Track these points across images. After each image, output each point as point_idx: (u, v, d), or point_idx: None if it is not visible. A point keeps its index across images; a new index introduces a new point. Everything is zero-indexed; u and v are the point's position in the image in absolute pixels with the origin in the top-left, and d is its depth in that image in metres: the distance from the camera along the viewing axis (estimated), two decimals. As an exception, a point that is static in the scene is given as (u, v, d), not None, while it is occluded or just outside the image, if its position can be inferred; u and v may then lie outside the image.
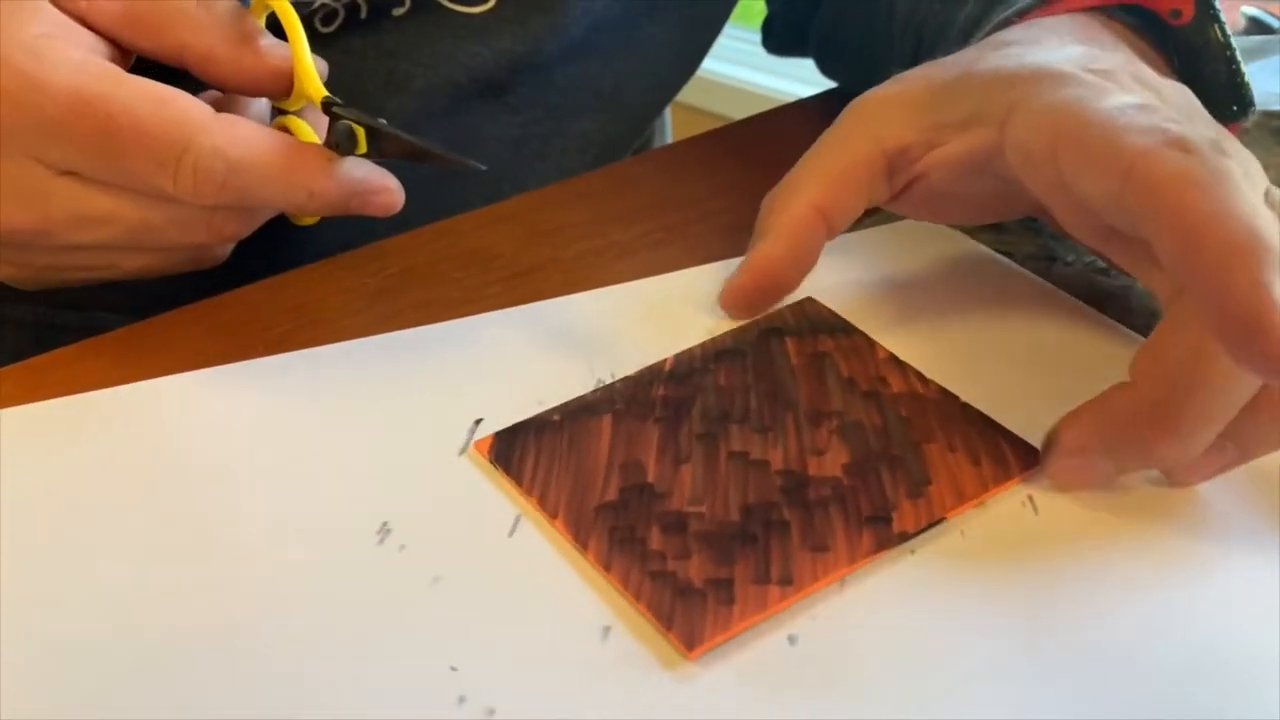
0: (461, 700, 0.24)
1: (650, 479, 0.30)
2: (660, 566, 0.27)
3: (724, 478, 0.30)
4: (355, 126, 0.34)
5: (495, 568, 0.28)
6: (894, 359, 0.34)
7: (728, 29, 0.63)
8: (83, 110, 0.33)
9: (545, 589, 0.27)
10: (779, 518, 0.29)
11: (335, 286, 0.39)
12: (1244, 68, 0.38)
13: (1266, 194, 0.31)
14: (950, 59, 0.36)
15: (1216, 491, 0.31)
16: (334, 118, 0.35)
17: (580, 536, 0.28)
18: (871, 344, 0.35)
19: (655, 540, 0.28)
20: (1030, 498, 0.30)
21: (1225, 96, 0.37)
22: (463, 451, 0.31)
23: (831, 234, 0.36)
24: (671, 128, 0.70)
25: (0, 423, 0.32)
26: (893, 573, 0.28)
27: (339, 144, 0.35)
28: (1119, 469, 0.30)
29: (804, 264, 0.36)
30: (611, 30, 0.51)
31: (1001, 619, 0.27)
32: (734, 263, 0.38)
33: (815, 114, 0.48)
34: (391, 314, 0.37)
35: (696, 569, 0.27)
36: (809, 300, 0.37)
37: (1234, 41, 0.37)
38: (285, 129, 0.38)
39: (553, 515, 0.29)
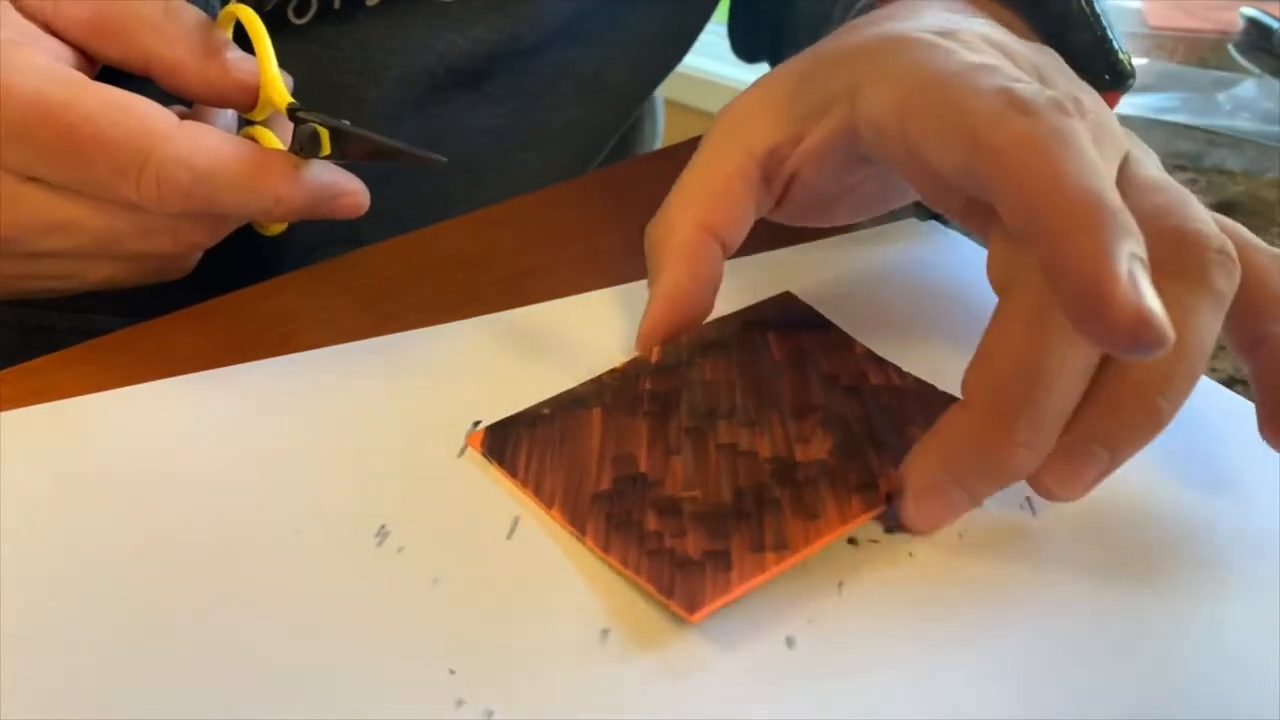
0: (460, 703, 0.24)
1: (643, 469, 0.30)
2: (658, 545, 0.28)
3: (714, 466, 0.30)
4: (318, 128, 0.34)
5: (494, 570, 0.28)
6: (872, 355, 0.34)
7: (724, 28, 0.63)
8: (44, 118, 0.32)
9: (544, 591, 0.27)
10: (770, 496, 0.29)
11: (335, 289, 0.39)
12: (1114, 37, 0.38)
13: (1127, 158, 0.30)
14: (807, 50, 0.35)
15: (1216, 489, 0.31)
16: (298, 122, 0.35)
17: (577, 523, 0.29)
18: (849, 341, 0.35)
19: (651, 522, 0.28)
20: (1029, 499, 0.30)
21: (1096, 65, 0.37)
22: (461, 453, 0.31)
23: (726, 252, 0.34)
24: (665, 128, 0.70)
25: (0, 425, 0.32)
26: (891, 574, 0.28)
27: (303, 147, 0.34)
28: (972, 497, 0.28)
29: (712, 286, 0.34)
30: (592, 17, 0.50)
31: (1000, 620, 0.27)
32: (740, 262, 0.37)
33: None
34: (390, 316, 0.37)
35: (693, 544, 0.28)
36: (788, 295, 0.37)
37: (1102, 10, 0.38)
38: (252, 138, 0.38)
39: (549, 505, 0.29)
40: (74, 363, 0.35)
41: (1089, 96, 0.32)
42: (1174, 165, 0.50)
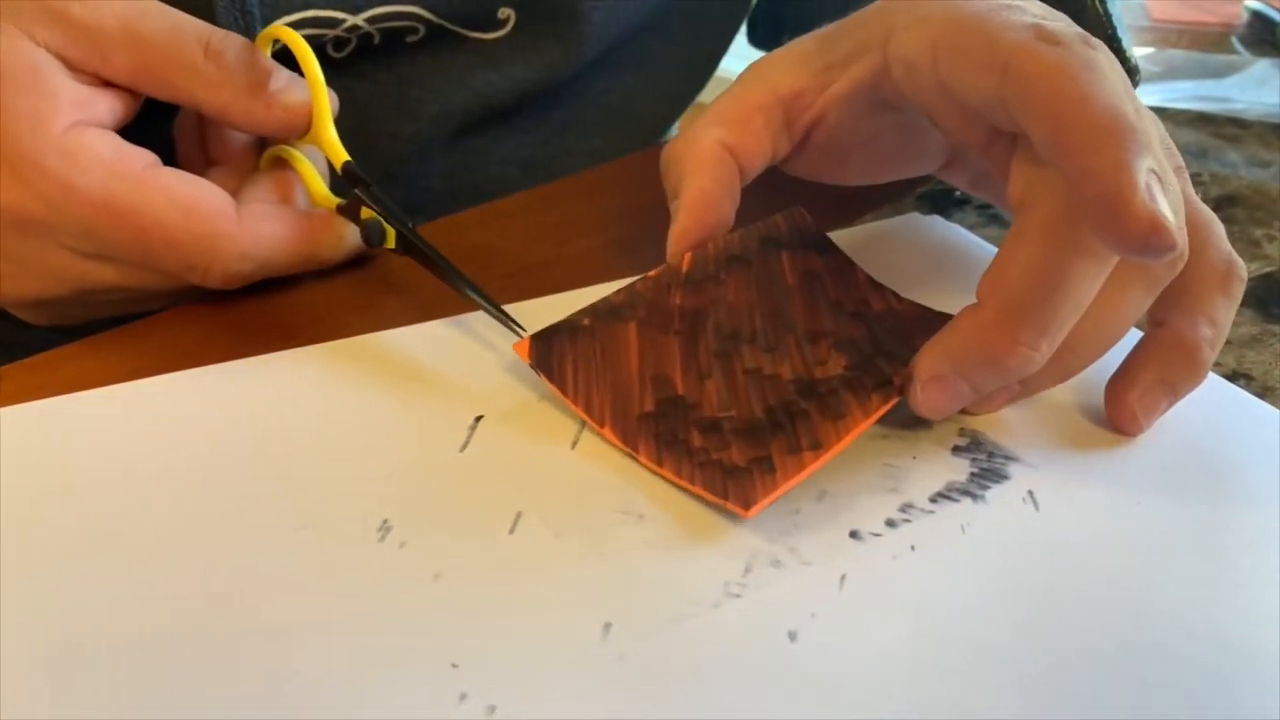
0: (462, 698, 0.24)
1: (680, 392, 0.32)
2: (706, 458, 0.30)
3: (744, 390, 0.32)
4: (386, 226, 0.36)
5: (496, 565, 0.28)
6: (872, 281, 0.36)
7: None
8: (115, 221, 0.34)
9: (546, 586, 0.27)
10: (799, 408, 0.31)
11: (339, 283, 0.39)
12: (1125, 39, 0.40)
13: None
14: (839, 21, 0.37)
15: (1217, 486, 0.31)
16: (354, 195, 0.36)
17: (629, 441, 0.31)
18: (851, 265, 0.37)
19: (696, 440, 0.31)
20: (1030, 493, 0.30)
21: None
22: (463, 448, 0.31)
23: (743, 176, 0.36)
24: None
25: (0, 421, 0.32)
26: (893, 571, 0.28)
27: (369, 237, 0.37)
28: (974, 389, 0.31)
29: (732, 196, 0.36)
30: (621, 49, 0.51)
31: (1002, 617, 0.27)
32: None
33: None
34: (394, 311, 0.37)
35: (738, 454, 0.30)
36: (798, 211, 0.38)
37: (1113, 10, 0.40)
38: (282, 158, 0.39)
39: (600, 424, 0.31)
40: (75, 358, 0.35)
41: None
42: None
